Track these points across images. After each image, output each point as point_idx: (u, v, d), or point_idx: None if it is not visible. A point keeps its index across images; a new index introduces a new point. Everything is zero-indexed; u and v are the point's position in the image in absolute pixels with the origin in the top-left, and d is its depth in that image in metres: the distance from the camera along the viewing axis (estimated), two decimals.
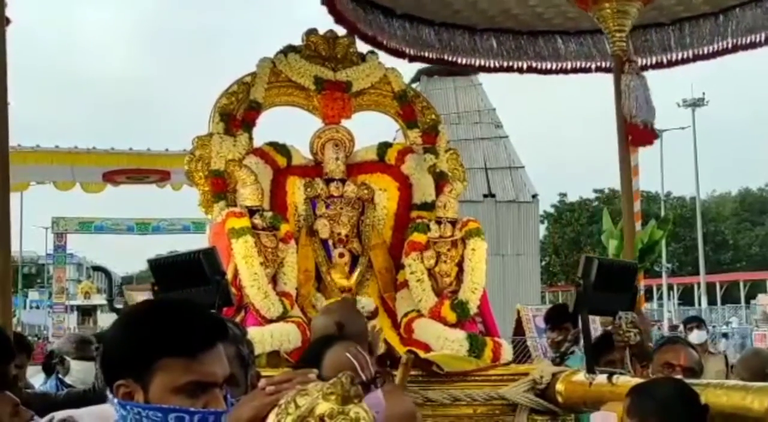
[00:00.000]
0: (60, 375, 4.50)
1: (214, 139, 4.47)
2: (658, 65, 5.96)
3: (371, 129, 5.39)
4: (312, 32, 4.98)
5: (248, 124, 4.58)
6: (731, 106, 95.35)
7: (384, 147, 4.79)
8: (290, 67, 4.73)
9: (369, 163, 4.76)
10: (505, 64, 6.06)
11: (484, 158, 18.47)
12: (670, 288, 38.77)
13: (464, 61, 5.87)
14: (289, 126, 5.39)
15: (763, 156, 71.54)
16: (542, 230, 41.90)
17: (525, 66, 6.13)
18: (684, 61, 6.08)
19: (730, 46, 5.88)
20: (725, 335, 23.26)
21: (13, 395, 2.70)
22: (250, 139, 4.57)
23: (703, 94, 38.86)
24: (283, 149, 4.61)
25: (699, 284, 37.11)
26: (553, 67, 6.18)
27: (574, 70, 6.25)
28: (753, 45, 5.81)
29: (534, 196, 18.53)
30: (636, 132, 4.73)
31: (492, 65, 5.92)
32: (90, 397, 3.94)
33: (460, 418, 3.71)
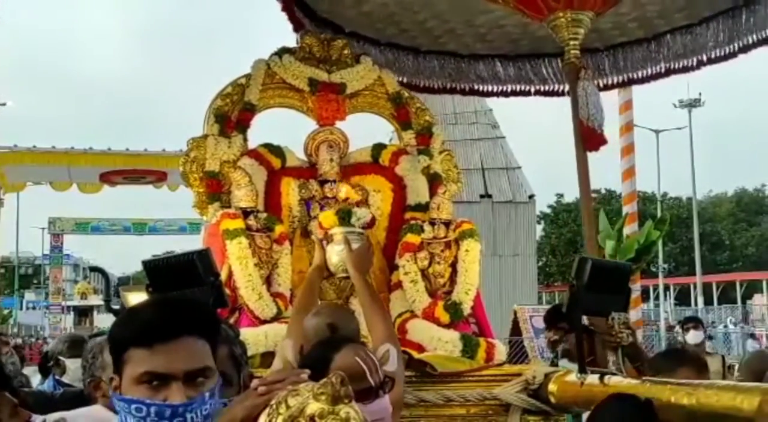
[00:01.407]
0: (57, 376, 4.53)
1: (208, 140, 4.47)
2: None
3: (366, 130, 5.41)
4: (306, 34, 5.00)
5: (243, 126, 4.59)
6: (728, 106, 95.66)
7: (378, 148, 4.80)
8: (285, 69, 4.74)
9: (363, 165, 4.77)
10: (448, 85, 6.14)
11: (480, 159, 18.50)
12: (666, 288, 38.79)
13: (408, 81, 5.93)
14: (284, 127, 5.41)
15: (759, 156, 71.81)
16: (539, 230, 42.01)
17: (467, 88, 6.23)
18: (618, 85, 6.26)
19: (663, 70, 6.01)
20: (752, 336, 22.85)
21: (11, 396, 2.72)
22: (245, 140, 4.57)
23: (700, 94, 38.96)
24: (277, 150, 4.61)
25: (695, 284, 37.15)
26: (494, 90, 6.29)
27: (514, 93, 6.36)
28: (684, 69, 5.96)
29: (531, 197, 18.56)
30: (592, 135, 4.80)
31: (436, 86, 5.99)
32: (86, 396, 3.96)
33: (453, 418, 3.72)
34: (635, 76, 6.09)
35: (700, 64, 5.84)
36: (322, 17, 5.54)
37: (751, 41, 5.51)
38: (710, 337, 23.50)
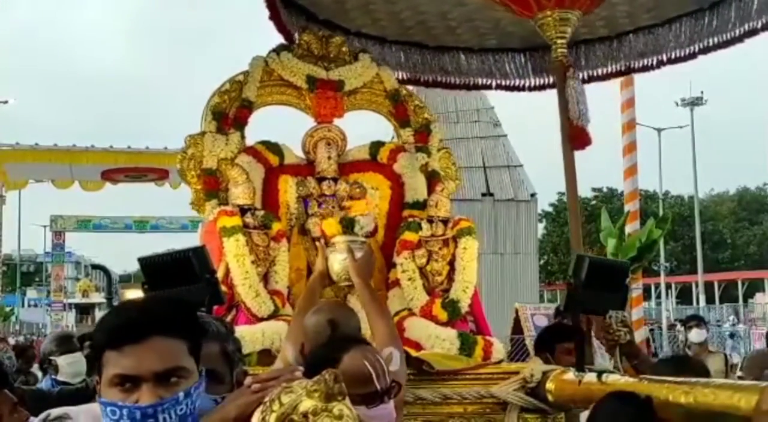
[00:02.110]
0: (52, 376, 4.56)
1: (206, 137, 4.45)
2: (551, 85, 6.09)
3: (365, 128, 5.40)
4: (305, 31, 4.99)
5: (240, 123, 4.57)
6: (730, 105, 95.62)
7: (376, 146, 4.79)
8: (283, 66, 4.72)
9: (361, 162, 4.75)
10: (412, 76, 6.18)
11: (482, 157, 18.46)
12: (668, 287, 38.77)
13: None
14: (282, 125, 5.39)
15: (761, 155, 71.72)
16: (541, 229, 42.05)
17: (431, 79, 6.28)
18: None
19: (623, 68, 6.11)
20: None
21: (11, 393, 2.72)
22: (243, 137, 4.55)
23: (702, 93, 38.97)
24: (275, 148, 4.59)
25: (697, 283, 37.15)
26: (457, 82, 6.34)
27: (476, 87, 6.49)
28: (645, 68, 6.06)
29: (532, 195, 18.50)
30: (580, 135, 4.83)
31: (399, 77, 6.02)
32: (83, 394, 3.98)
33: (450, 417, 3.70)
34: (595, 74, 6.14)
35: (660, 64, 5.94)
36: (298, 4, 5.53)
37: (712, 43, 5.61)
38: (731, 335, 23.32)
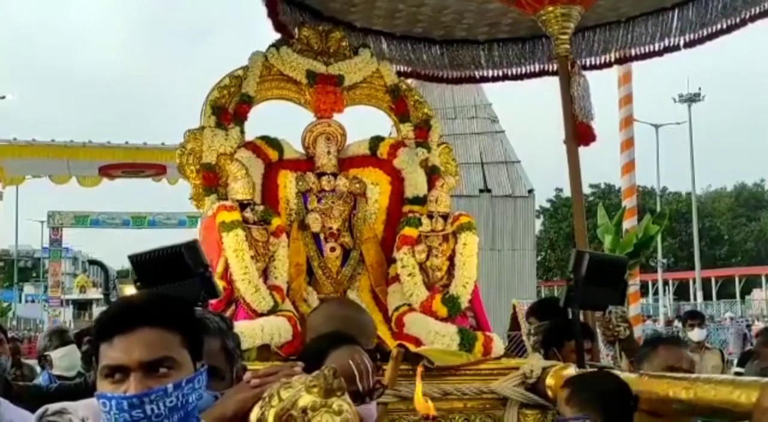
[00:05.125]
0: (48, 371, 4.57)
1: (205, 132, 4.44)
2: (543, 73, 6.09)
3: (365, 124, 5.39)
4: (304, 25, 4.97)
5: (240, 118, 4.55)
6: (727, 101, 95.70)
7: (376, 141, 4.76)
8: (282, 61, 4.70)
9: (361, 157, 4.72)
10: (411, 70, 6.17)
11: (480, 153, 18.45)
12: (665, 283, 38.84)
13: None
14: (281, 120, 5.38)
15: (758, 151, 71.96)
16: (538, 225, 42.15)
17: (430, 74, 6.26)
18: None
19: (613, 59, 6.07)
20: None
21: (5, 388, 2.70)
22: (242, 132, 4.54)
23: (699, 89, 39.03)
24: (275, 143, 4.58)
25: (694, 279, 37.23)
26: (456, 76, 6.32)
27: (475, 79, 6.45)
28: (644, 56, 6.01)
29: (530, 191, 18.50)
30: (585, 131, 4.83)
31: (398, 70, 6.01)
32: (80, 390, 3.97)
33: (450, 412, 3.69)
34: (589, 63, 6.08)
35: (661, 52, 5.88)
36: (297, 0, 5.51)
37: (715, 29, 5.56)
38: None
